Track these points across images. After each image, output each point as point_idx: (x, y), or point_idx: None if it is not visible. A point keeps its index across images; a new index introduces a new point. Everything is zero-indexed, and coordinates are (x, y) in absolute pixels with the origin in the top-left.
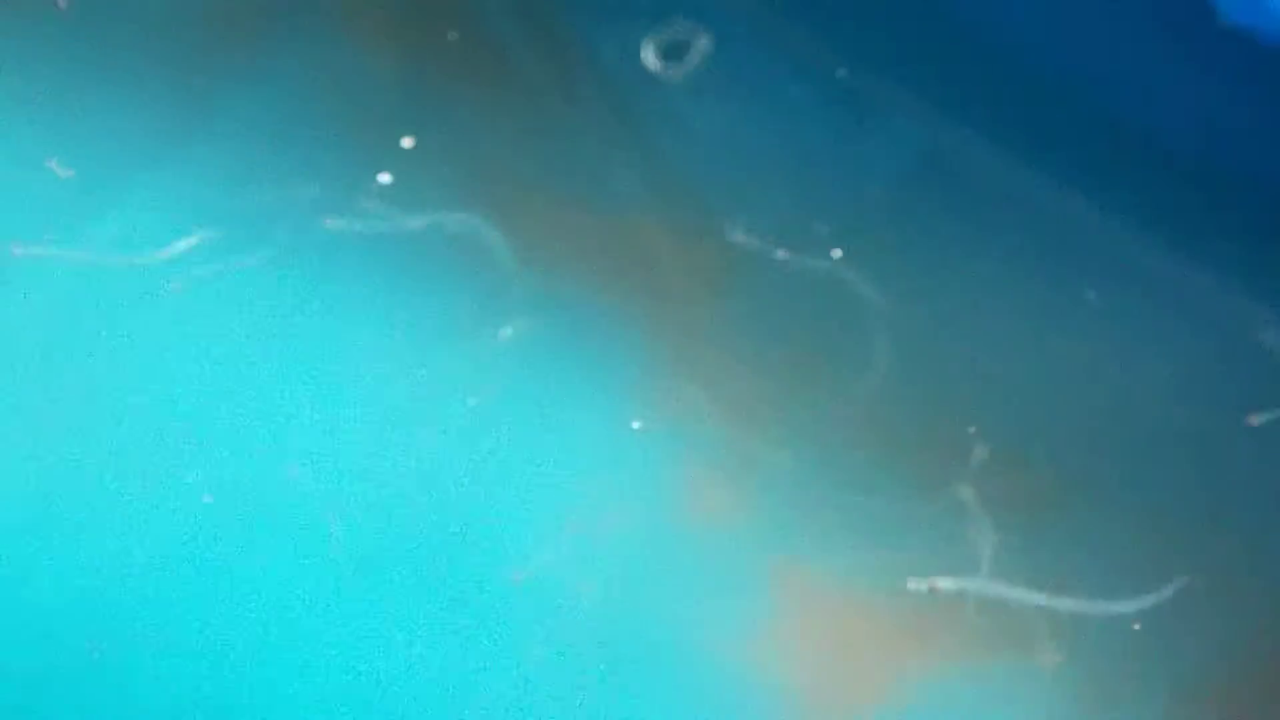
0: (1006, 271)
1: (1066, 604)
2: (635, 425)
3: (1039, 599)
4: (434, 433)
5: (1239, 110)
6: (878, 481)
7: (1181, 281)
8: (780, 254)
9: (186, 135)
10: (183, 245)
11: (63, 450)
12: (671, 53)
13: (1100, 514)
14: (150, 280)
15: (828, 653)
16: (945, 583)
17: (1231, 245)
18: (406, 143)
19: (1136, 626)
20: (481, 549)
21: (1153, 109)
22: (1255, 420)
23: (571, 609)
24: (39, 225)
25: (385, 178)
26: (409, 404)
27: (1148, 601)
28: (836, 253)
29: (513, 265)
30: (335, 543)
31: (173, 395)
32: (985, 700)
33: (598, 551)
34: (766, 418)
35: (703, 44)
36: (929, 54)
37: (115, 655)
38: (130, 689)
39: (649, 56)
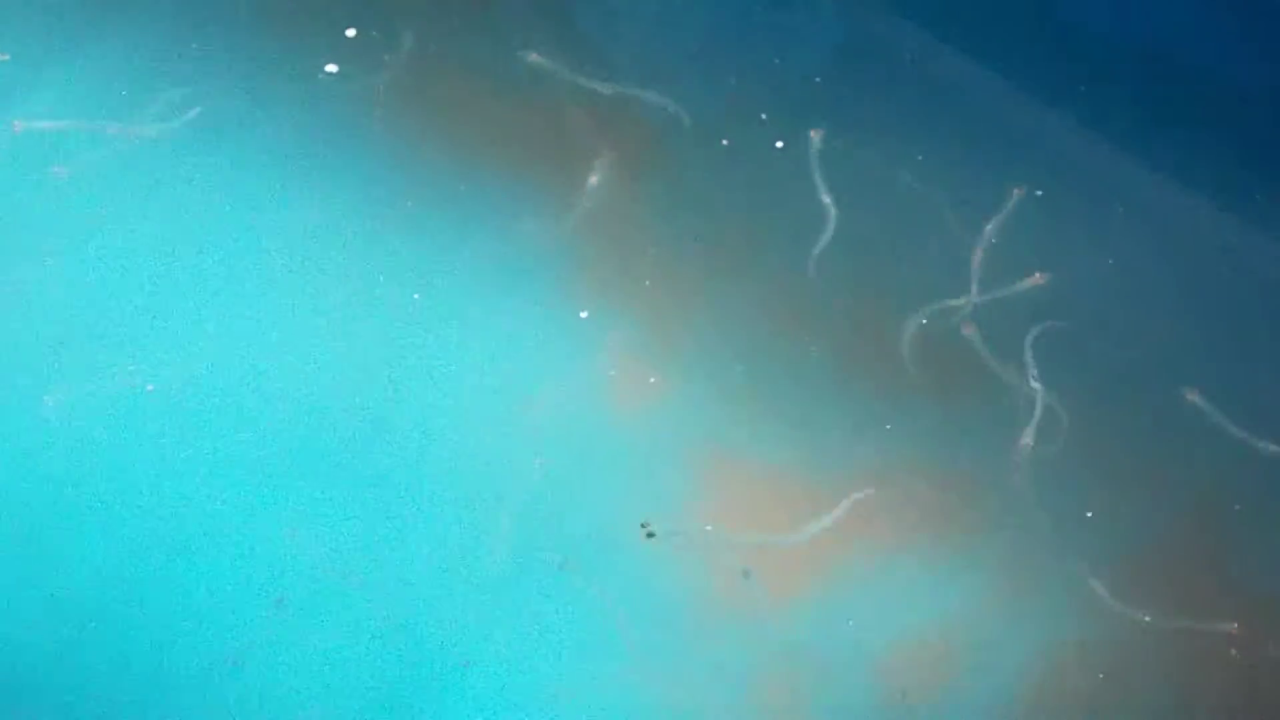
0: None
1: (953, 498)
2: (583, 315)
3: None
4: (376, 322)
5: (1183, 6)
6: (806, 371)
7: (1120, 175)
8: (720, 140)
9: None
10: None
11: None
12: None
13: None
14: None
15: (749, 534)
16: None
17: (1171, 138)
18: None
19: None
20: (413, 434)
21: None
22: None
23: (476, 487)
24: None
25: (332, 67)
26: (353, 291)
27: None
28: (779, 144)
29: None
30: (277, 424)
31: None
32: (900, 585)
33: (536, 433)
34: (698, 304)
35: None
36: None
37: (40, 534)
38: (52, 565)
39: None
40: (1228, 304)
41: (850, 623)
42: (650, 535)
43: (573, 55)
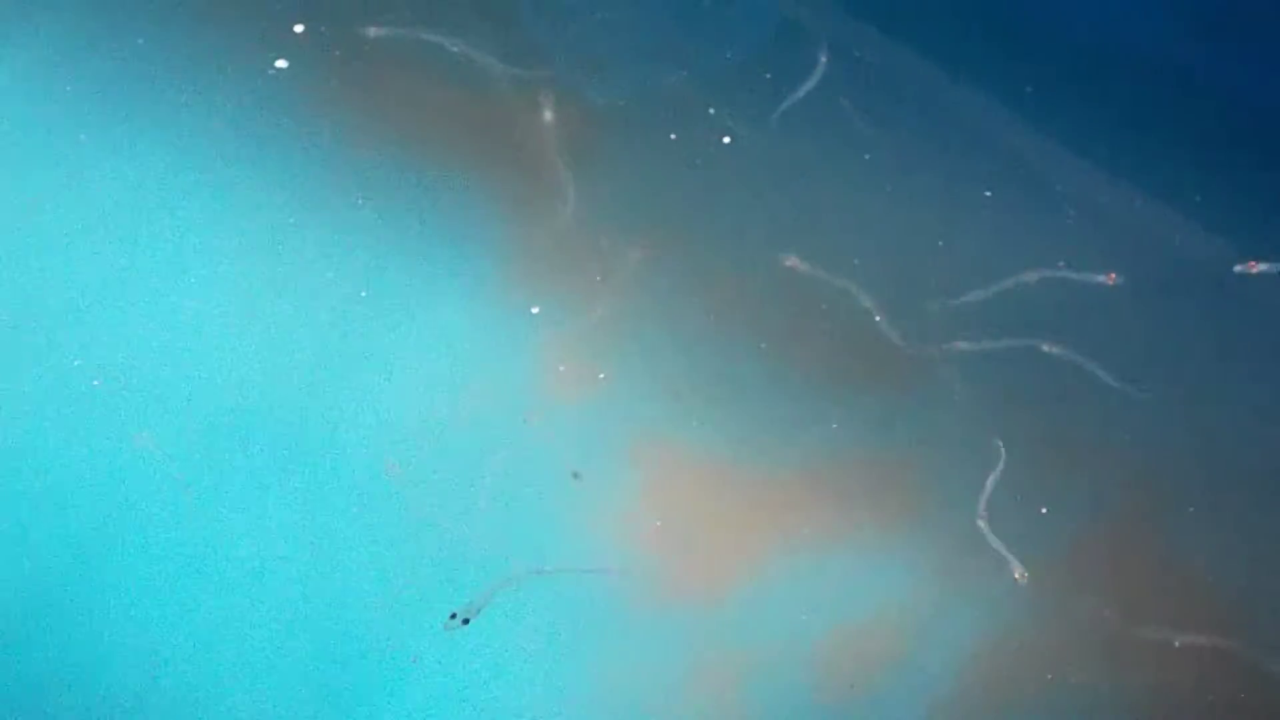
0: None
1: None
2: (534, 311)
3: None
4: (325, 318)
5: (1133, 6)
6: (751, 366)
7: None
8: (669, 134)
9: None
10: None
11: None
12: None
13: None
14: None
15: (680, 528)
16: None
17: (1119, 136)
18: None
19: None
20: (363, 429)
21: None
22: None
23: (422, 477)
24: None
25: (281, 63)
26: (302, 287)
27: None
28: (726, 139)
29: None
30: (222, 418)
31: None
32: (833, 572)
33: (484, 428)
34: (648, 299)
35: None
36: None
37: None
38: None
39: None
40: (1169, 300)
41: (789, 614)
42: (465, 622)
43: (519, 51)
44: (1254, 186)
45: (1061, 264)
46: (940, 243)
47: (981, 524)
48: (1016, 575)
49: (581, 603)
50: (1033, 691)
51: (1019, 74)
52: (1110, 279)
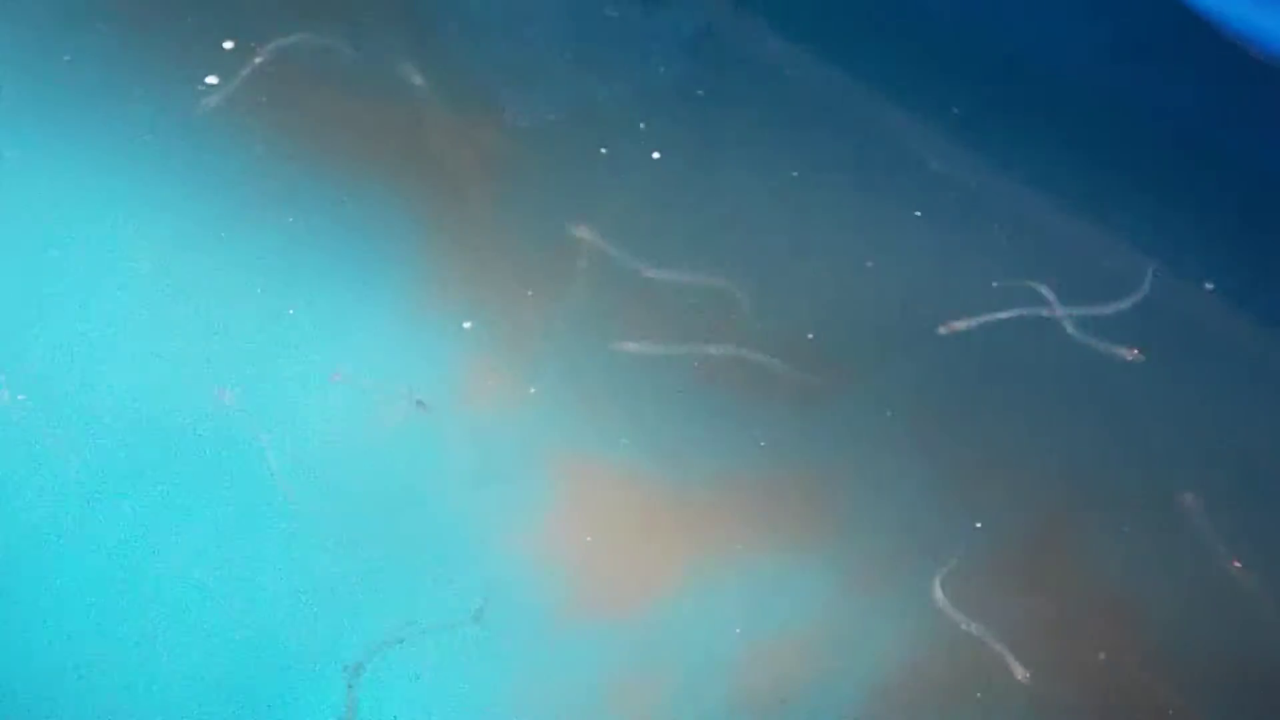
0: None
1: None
2: (466, 326)
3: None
4: (254, 337)
5: (1055, 15)
6: (677, 381)
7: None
8: (599, 148)
9: None
10: None
11: None
12: None
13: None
14: None
15: (606, 543)
16: None
17: (1044, 151)
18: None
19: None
20: (290, 447)
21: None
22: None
23: (349, 495)
24: None
25: (211, 79)
26: (230, 305)
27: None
28: (656, 154)
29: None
30: (143, 434)
31: None
32: (758, 588)
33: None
34: (550, 308)
35: None
36: None
37: None
38: None
39: None
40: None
41: (715, 630)
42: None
43: (442, 69)
44: (1180, 202)
45: (995, 284)
46: (869, 264)
47: (907, 540)
48: (938, 592)
49: (502, 620)
50: (959, 706)
51: (945, 94)
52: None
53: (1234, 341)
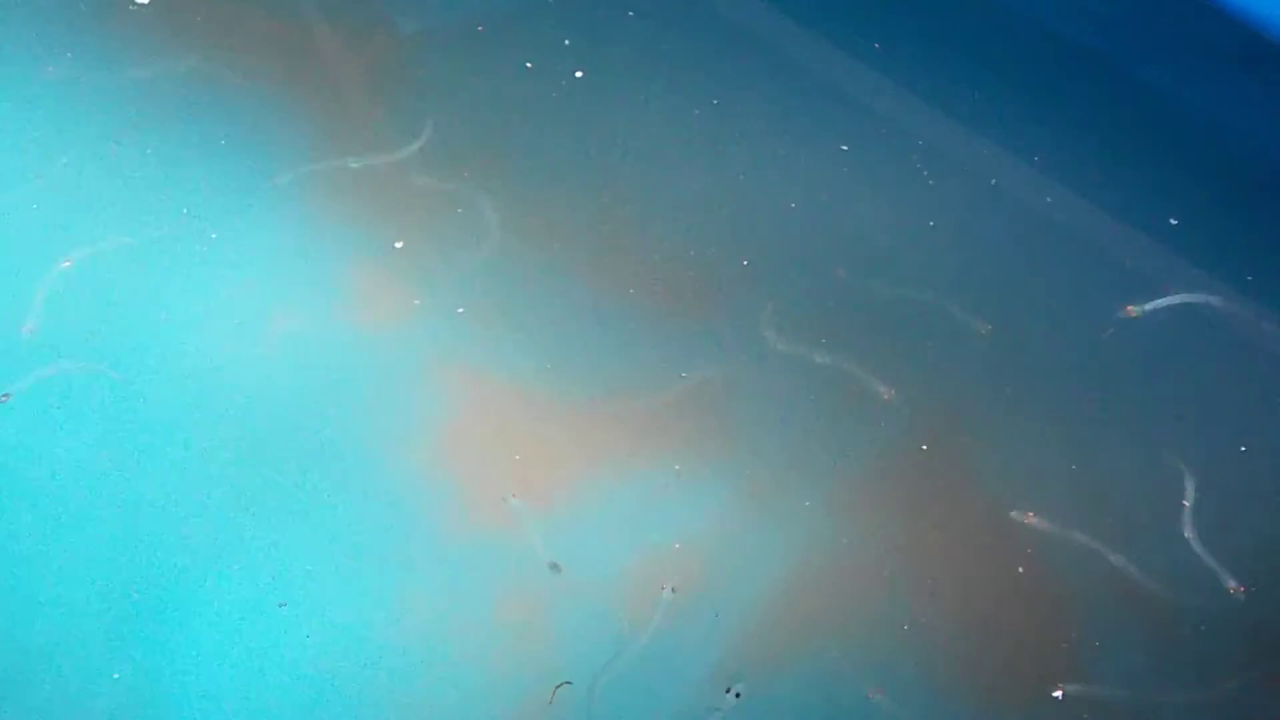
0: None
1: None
2: (398, 244)
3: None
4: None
5: None
6: (560, 285)
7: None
8: (524, 62)
9: None
10: None
11: None
12: None
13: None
14: None
15: (495, 456)
16: None
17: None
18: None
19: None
20: (152, 346)
21: None
22: None
23: (248, 409)
24: None
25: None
26: (155, 229)
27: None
28: (579, 73)
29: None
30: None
31: None
32: (644, 500)
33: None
34: (452, 220)
35: None
36: None
37: None
38: None
39: None
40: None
41: (600, 538)
42: None
43: None
44: (1105, 141)
45: (931, 224)
46: (793, 204)
47: (798, 446)
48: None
49: (389, 524)
50: (846, 612)
51: (869, 29)
52: None
53: None
